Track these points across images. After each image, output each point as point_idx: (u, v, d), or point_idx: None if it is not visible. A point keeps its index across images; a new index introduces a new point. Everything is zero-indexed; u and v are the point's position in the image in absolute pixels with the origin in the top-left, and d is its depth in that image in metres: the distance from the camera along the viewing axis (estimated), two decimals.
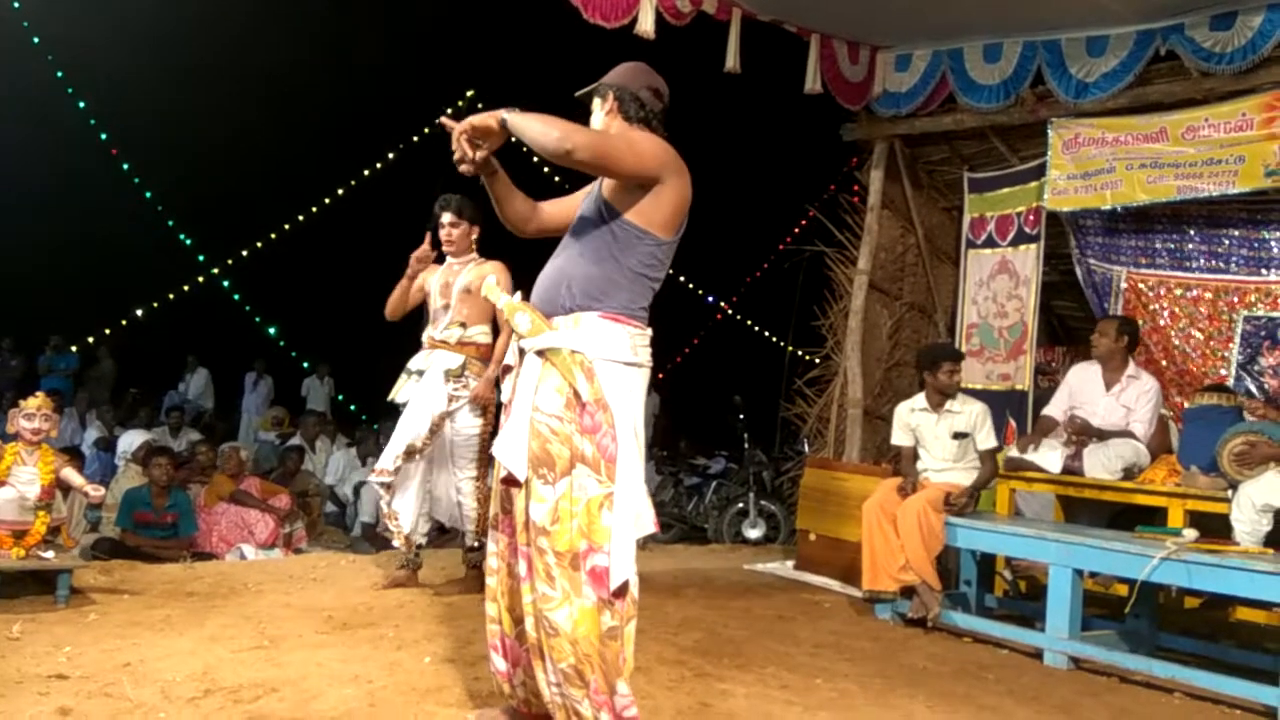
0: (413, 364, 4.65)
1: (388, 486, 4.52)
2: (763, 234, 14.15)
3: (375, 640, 3.60)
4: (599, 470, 2.45)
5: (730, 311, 16.83)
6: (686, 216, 2.63)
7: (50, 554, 3.95)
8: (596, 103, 2.72)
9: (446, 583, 4.67)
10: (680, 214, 2.59)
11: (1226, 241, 5.94)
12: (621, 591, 2.44)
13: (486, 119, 2.48)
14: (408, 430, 4.49)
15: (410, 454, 4.48)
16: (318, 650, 3.42)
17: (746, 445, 8.80)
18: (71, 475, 4.19)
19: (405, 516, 4.56)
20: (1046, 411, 5.40)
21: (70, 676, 2.98)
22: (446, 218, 4.65)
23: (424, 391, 4.51)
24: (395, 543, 4.72)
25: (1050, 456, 5.03)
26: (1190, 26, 5.42)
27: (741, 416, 9.02)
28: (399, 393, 4.65)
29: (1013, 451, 5.23)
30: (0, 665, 3.06)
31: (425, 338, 4.69)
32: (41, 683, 2.92)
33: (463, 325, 4.57)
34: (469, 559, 4.61)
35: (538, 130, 2.41)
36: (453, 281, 4.62)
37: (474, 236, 4.69)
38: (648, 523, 2.53)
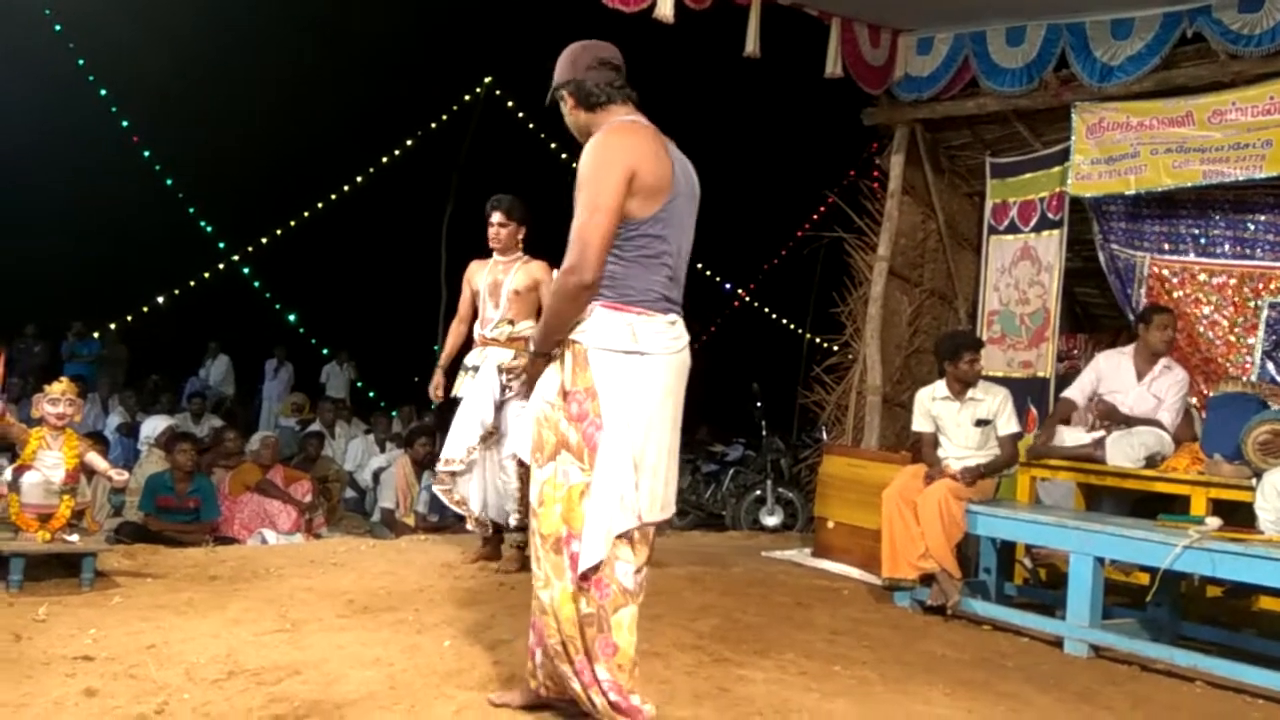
0: (469, 360, 4.90)
1: (453, 474, 4.78)
2: (781, 220, 14.09)
3: (395, 624, 3.62)
4: (582, 458, 2.48)
5: (748, 299, 16.77)
6: (666, 187, 2.51)
7: (75, 537, 3.99)
8: (562, 105, 2.71)
9: (484, 556, 4.89)
10: (645, 191, 2.47)
11: (1252, 227, 5.86)
12: (586, 576, 2.45)
13: (532, 370, 2.64)
14: (472, 421, 4.72)
15: (485, 439, 4.73)
16: (339, 633, 3.45)
17: (764, 432, 8.79)
18: (95, 460, 4.23)
19: (475, 500, 4.81)
20: (1067, 394, 5.34)
21: (96, 658, 3.02)
22: (496, 217, 4.86)
23: (480, 386, 4.75)
24: (470, 526, 4.97)
25: (1077, 432, 5.02)
26: (1218, 8, 5.34)
27: (759, 404, 9.01)
28: (459, 388, 4.89)
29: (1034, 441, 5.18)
30: (27, 647, 3.10)
31: (477, 335, 4.92)
32: (68, 664, 2.96)
33: (510, 322, 4.78)
34: (512, 539, 4.76)
35: (550, 324, 2.53)
36: (501, 280, 4.83)
37: (520, 236, 4.88)
38: (652, 510, 2.51)
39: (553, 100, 2.73)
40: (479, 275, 4.93)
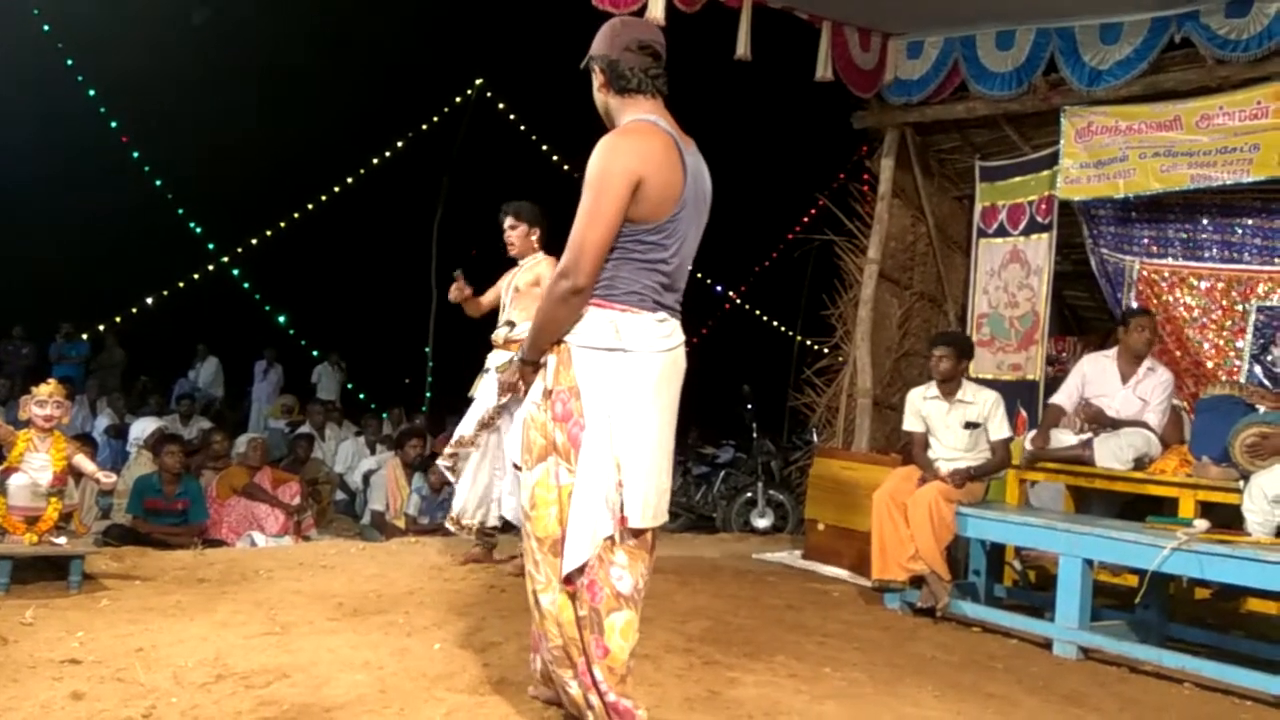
0: (486, 361, 4.92)
1: (451, 469, 4.83)
2: (772, 223, 14.13)
3: (385, 627, 3.61)
4: (569, 459, 2.44)
5: (739, 301, 16.80)
6: (674, 198, 2.44)
7: (63, 540, 3.97)
8: (593, 78, 2.63)
9: (476, 557, 4.90)
10: (650, 200, 2.41)
11: (1240, 231, 5.90)
12: (571, 580, 2.42)
13: (516, 376, 2.62)
14: (466, 422, 4.80)
15: (463, 444, 4.76)
16: (328, 636, 3.43)
17: (755, 435, 8.80)
18: (83, 462, 4.21)
19: (457, 500, 4.84)
20: (1054, 400, 5.35)
21: (83, 661, 3.00)
22: (507, 221, 4.89)
23: (485, 388, 4.79)
24: (447, 524, 5.00)
25: (1066, 434, 5.04)
26: (1205, 14, 5.37)
27: (750, 406, 9.02)
28: (475, 389, 4.93)
29: (1028, 446, 5.19)
30: (14, 650, 3.08)
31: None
32: (55, 667, 2.94)
33: (510, 324, 4.79)
34: (496, 542, 4.81)
35: (538, 327, 2.50)
36: (513, 280, 4.87)
37: (533, 238, 4.87)
38: (643, 515, 2.45)
39: (586, 69, 2.63)
40: (505, 280, 4.96)
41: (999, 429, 4.78)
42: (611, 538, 2.43)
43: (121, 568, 4.41)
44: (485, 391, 4.78)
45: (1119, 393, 5.10)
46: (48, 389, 4.11)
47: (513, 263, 4.97)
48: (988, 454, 4.79)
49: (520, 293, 4.75)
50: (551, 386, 2.48)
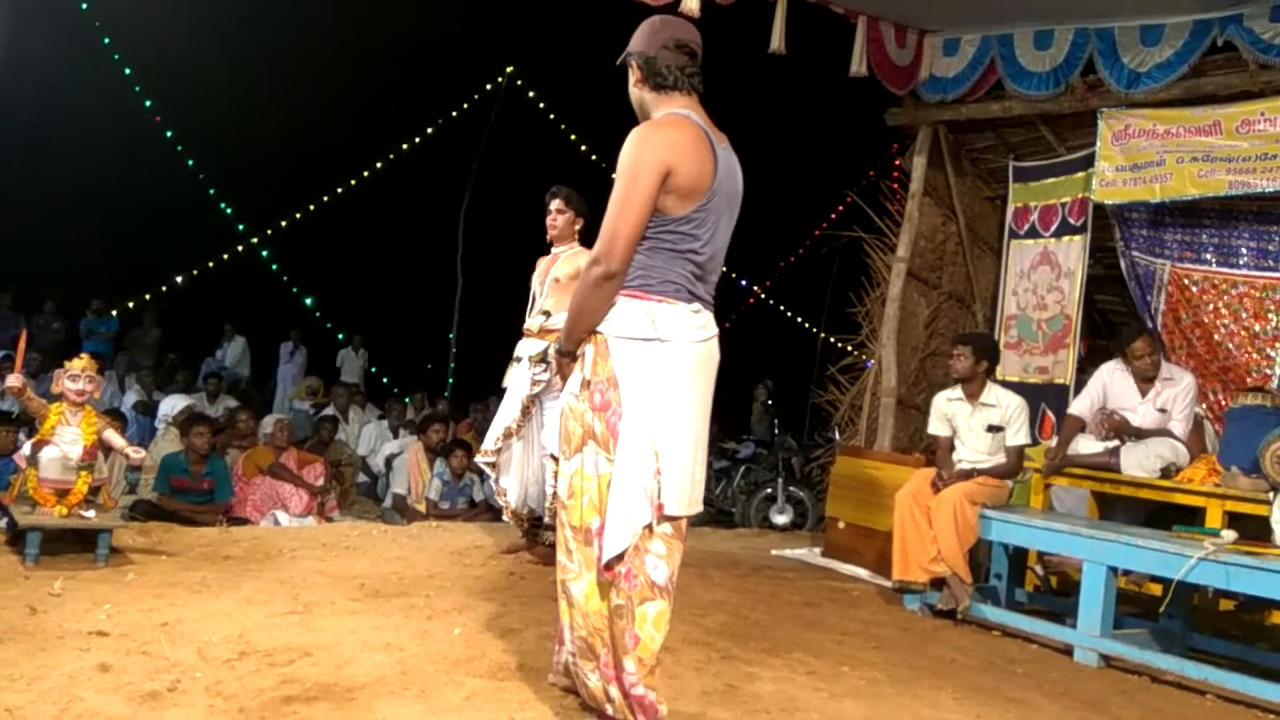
0: (516, 350, 4.91)
1: (493, 466, 4.82)
2: (799, 218, 14.05)
3: (406, 609, 3.63)
4: (608, 448, 2.47)
5: (763, 296, 16.74)
6: (704, 189, 2.47)
7: (91, 513, 4.02)
8: (629, 73, 2.67)
9: (520, 548, 4.90)
10: (681, 190, 2.44)
11: (1276, 239, 5.81)
12: (610, 567, 2.44)
13: (560, 370, 2.65)
14: (505, 414, 4.80)
15: (508, 435, 4.76)
16: (350, 617, 3.46)
17: (776, 431, 8.78)
18: (113, 437, 4.26)
19: (512, 492, 4.82)
20: (1073, 411, 5.26)
21: (110, 634, 3.04)
22: (554, 204, 4.87)
23: (517, 377, 4.79)
24: (505, 517, 4.99)
25: (1091, 441, 4.99)
26: (1249, 17, 5.30)
27: (771, 401, 9.00)
28: (507, 377, 4.91)
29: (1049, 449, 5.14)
30: (43, 620, 3.13)
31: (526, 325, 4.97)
32: (82, 639, 2.98)
33: (546, 314, 4.77)
34: (545, 537, 4.75)
35: (574, 315, 2.53)
36: (550, 270, 4.85)
37: (577, 227, 4.87)
38: (679, 503, 2.48)
39: (623, 64, 2.68)
40: (539, 269, 4.94)
41: (1016, 435, 4.74)
42: (649, 525, 2.46)
43: (148, 543, 4.46)
44: (517, 380, 4.78)
45: (1139, 406, 5.04)
46: (80, 363, 4.16)
47: (543, 251, 4.96)
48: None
49: (559, 283, 4.73)
50: (589, 377, 2.50)
